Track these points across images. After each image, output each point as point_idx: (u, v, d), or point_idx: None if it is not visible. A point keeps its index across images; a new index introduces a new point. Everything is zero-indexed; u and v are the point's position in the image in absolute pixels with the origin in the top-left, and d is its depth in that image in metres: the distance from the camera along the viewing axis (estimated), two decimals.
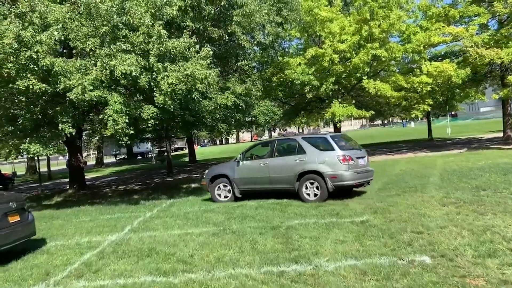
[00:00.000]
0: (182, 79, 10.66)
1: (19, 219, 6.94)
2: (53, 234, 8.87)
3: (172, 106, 11.09)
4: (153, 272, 5.60)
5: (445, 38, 21.37)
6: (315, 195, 9.76)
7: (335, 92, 20.92)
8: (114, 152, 51.77)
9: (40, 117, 12.18)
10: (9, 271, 6.24)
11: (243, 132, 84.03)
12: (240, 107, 14.39)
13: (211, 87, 12.46)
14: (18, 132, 11.91)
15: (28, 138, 11.21)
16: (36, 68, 10.09)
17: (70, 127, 10.91)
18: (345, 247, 5.99)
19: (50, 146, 11.13)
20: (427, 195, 9.55)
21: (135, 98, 11.73)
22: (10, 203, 6.81)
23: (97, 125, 21.95)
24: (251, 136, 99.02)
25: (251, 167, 10.84)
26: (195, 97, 11.12)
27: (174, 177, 22.53)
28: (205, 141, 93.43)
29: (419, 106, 21.26)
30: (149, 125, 11.38)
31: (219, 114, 14.50)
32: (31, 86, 9.94)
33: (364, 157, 10.47)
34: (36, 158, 32.19)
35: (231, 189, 11.10)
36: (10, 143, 11.99)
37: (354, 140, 11.25)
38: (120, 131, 10.28)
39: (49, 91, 10.47)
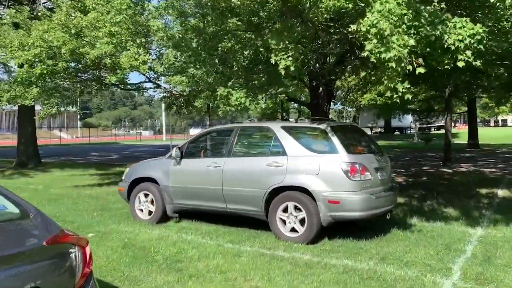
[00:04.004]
0: None
1: None
2: None
3: None
4: None
5: None
6: (295, 229, 5.47)
7: None
8: (370, 125, 45.92)
9: (252, 58, 7.54)
10: None
11: None
12: None
13: None
14: (226, 80, 7.54)
15: (230, 83, 6.79)
16: None
17: (292, 62, 5.60)
18: None
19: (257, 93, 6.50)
20: None
21: (428, 8, 5.38)
22: None
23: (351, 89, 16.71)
24: None
25: (194, 170, 6.48)
26: None
27: (453, 167, 15.05)
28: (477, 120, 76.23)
29: None
30: (461, 61, 4.89)
31: None
32: None
33: (387, 166, 6.13)
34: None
35: (156, 202, 6.65)
36: (218, 91, 7.67)
37: (369, 135, 7.24)
38: (393, 63, 4.25)
39: None
